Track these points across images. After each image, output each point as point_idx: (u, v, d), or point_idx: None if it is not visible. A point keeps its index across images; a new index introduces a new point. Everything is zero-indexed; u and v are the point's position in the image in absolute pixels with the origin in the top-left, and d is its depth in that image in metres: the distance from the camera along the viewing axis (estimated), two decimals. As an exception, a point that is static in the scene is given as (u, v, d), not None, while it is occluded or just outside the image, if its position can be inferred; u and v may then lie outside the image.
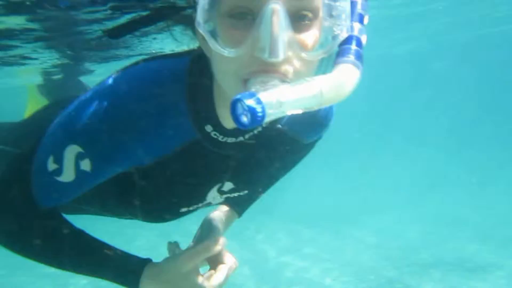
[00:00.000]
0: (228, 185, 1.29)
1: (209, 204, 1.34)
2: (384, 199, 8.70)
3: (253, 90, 0.85)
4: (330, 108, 1.34)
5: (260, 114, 0.79)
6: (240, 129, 1.13)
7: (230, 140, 1.14)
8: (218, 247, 1.19)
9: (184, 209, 1.32)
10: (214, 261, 1.26)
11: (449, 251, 6.06)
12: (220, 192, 1.30)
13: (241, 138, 1.16)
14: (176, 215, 1.34)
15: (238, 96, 0.80)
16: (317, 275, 5.35)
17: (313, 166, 10.05)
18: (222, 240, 1.21)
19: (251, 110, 0.79)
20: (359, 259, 5.86)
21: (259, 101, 0.80)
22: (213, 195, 1.30)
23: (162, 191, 1.22)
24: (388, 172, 11.08)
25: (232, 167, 1.23)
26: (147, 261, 1.19)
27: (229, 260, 1.25)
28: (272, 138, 1.22)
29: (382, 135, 15.78)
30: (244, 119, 0.81)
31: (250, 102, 0.79)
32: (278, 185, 1.62)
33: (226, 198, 1.35)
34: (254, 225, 6.50)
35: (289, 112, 0.83)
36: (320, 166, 10.71)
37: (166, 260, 1.19)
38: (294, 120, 1.23)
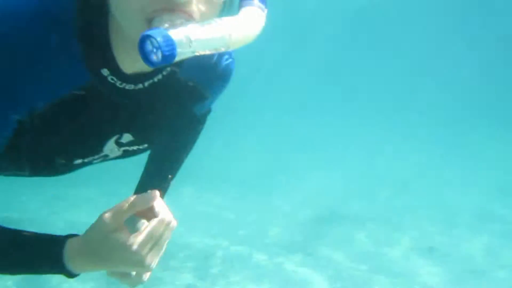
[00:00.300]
0: (127, 137, 1.22)
1: (106, 156, 1.26)
2: (308, 158, 8.98)
3: (161, 28, 0.80)
4: (231, 62, 1.31)
5: (171, 52, 0.77)
6: (140, 76, 1.07)
7: (129, 86, 1.07)
8: (146, 202, 1.03)
9: (78, 161, 1.22)
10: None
11: (372, 206, 6.61)
12: (118, 144, 1.22)
13: (140, 86, 1.08)
14: (70, 167, 1.25)
15: (148, 33, 0.77)
16: (246, 229, 5.62)
17: (236, 130, 10.15)
18: (153, 195, 1.05)
19: (162, 48, 0.76)
20: (287, 214, 6.23)
21: (170, 38, 0.77)
22: (110, 146, 1.22)
23: (55, 140, 1.11)
24: (311, 131, 11.34)
25: (130, 117, 1.15)
26: (69, 236, 1.05)
27: (164, 216, 1.05)
28: (173, 87, 1.16)
29: (305, 95, 15.87)
30: (154, 57, 0.78)
31: (160, 39, 0.76)
32: (198, 150, 1.59)
33: (125, 151, 1.27)
34: (178, 190, 6.58)
35: (198, 52, 0.81)
36: (243, 129, 10.84)
37: (90, 226, 1.05)
38: (194, 70, 1.20)
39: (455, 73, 16.87)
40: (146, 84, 1.08)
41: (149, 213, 1.06)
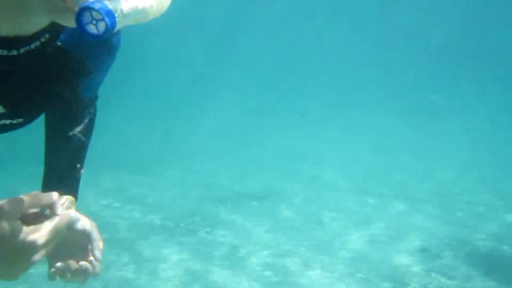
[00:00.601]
0: None
1: None
2: (197, 144, 9.22)
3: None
4: (119, 37, 1.22)
5: (113, 25, 0.77)
6: (15, 41, 0.92)
7: (1, 52, 0.93)
8: (47, 198, 0.94)
9: None
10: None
11: (292, 184, 7.01)
12: None
13: (14, 52, 0.93)
14: None
15: (88, 4, 0.76)
16: (138, 214, 5.70)
17: (125, 115, 10.15)
18: (53, 195, 0.95)
19: (105, 18, 0.76)
20: (209, 191, 6.55)
21: (111, 10, 0.77)
22: None
23: None
24: (236, 120, 11.49)
25: (2, 86, 1.01)
26: None
27: (71, 214, 0.97)
28: (52, 57, 1.04)
29: (195, 80, 15.89)
30: (92, 28, 0.77)
31: (103, 11, 0.76)
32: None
33: None
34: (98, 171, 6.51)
35: (128, 23, 0.82)
36: (132, 115, 10.92)
37: None
38: (76, 41, 1.07)
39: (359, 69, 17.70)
40: (22, 50, 0.94)
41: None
